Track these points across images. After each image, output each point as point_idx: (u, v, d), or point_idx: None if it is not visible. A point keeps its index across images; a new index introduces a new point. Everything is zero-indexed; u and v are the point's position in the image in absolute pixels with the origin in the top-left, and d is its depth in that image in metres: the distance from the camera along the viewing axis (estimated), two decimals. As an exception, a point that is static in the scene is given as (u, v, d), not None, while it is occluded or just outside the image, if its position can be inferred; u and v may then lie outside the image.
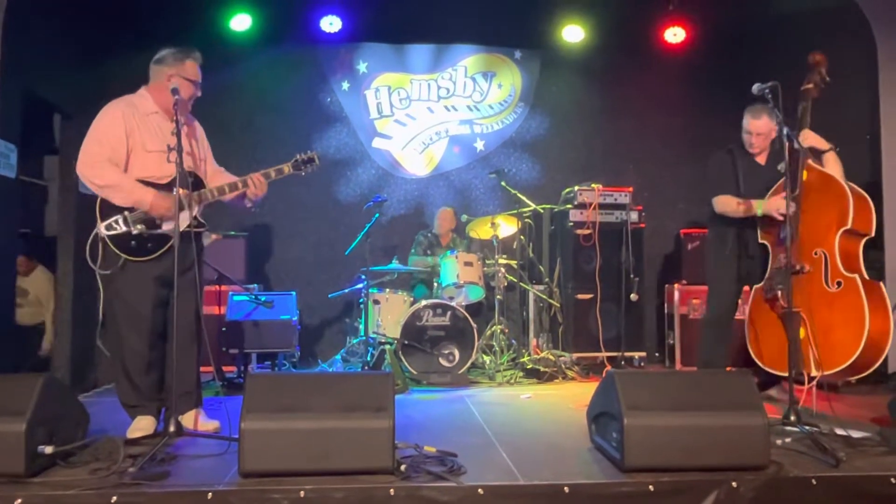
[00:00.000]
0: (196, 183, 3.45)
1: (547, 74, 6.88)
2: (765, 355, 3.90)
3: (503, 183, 5.98)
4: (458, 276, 5.43)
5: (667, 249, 6.66)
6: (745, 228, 4.09)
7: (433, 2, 6.27)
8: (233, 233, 5.90)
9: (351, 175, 6.65)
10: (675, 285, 6.00)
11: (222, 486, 2.56)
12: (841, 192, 3.74)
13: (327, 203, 6.58)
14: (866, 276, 3.70)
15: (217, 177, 3.67)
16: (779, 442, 3.06)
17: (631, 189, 6.06)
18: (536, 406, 4.42)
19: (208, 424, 3.46)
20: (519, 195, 5.94)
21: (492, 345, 5.57)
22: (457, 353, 5.22)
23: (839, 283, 3.67)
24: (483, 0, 6.25)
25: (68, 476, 2.66)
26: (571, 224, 5.94)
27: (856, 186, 3.77)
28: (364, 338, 5.36)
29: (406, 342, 5.16)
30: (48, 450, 2.69)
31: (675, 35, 6.57)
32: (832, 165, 3.86)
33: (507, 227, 5.88)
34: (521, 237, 5.99)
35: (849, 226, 3.70)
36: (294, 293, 5.55)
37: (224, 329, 5.18)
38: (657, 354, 6.40)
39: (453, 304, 5.34)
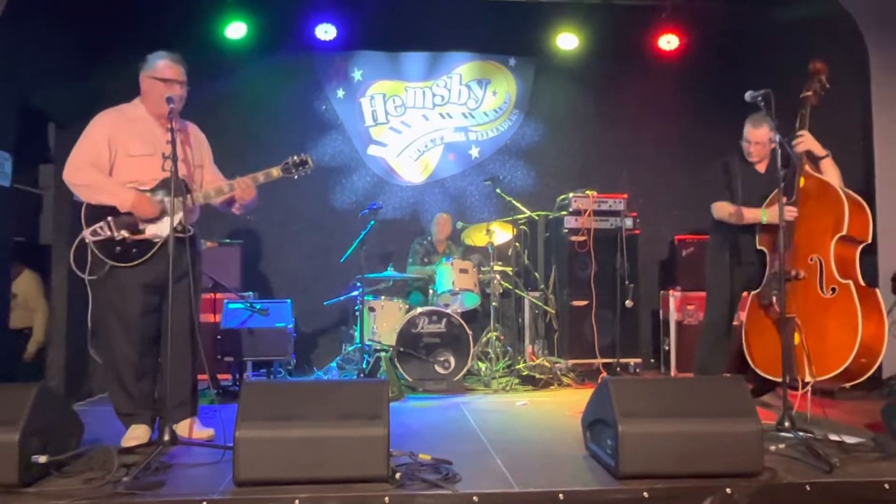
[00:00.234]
0: (185, 189, 3.40)
1: (541, 82, 6.90)
2: (760, 361, 3.91)
3: (498, 190, 5.99)
4: (453, 283, 5.43)
5: (661, 256, 6.67)
6: (744, 235, 4.11)
7: (428, 10, 6.28)
8: (228, 241, 5.90)
9: (346, 182, 6.66)
10: (671, 291, 6.01)
11: (217, 495, 2.56)
12: (837, 198, 3.76)
13: (322, 210, 6.58)
14: (862, 283, 3.71)
15: (214, 183, 3.62)
16: (773, 448, 3.06)
17: (626, 196, 6.07)
18: (532, 413, 4.42)
19: (203, 433, 3.45)
20: (514, 202, 5.96)
21: (487, 352, 5.56)
22: (452, 360, 5.22)
23: (833, 290, 3.69)
24: (477, 8, 6.26)
25: (62, 486, 2.66)
26: (566, 231, 5.95)
27: (853, 193, 3.79)
28: (359, 345, 5.36)
29: (401, 349, 5.16)
30: (42, 459, 2.68)
31: (668, 42, 6.62)
32: (830, 172, 3.89)
33: (502, 233, 5.89)
34: (517, 244, 6.01)
35: (844, 232, 3.72)
36: (289, 301, 5.53)
37: (219, 337, 5.16)
38: (653, 361, 6.40)
39: (449, 311, 5.34)
